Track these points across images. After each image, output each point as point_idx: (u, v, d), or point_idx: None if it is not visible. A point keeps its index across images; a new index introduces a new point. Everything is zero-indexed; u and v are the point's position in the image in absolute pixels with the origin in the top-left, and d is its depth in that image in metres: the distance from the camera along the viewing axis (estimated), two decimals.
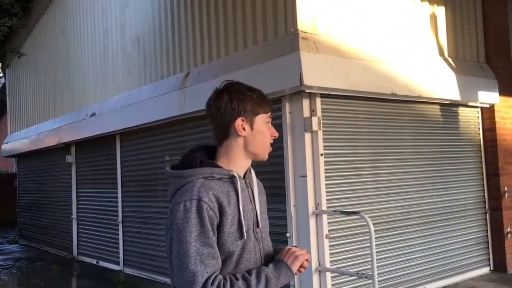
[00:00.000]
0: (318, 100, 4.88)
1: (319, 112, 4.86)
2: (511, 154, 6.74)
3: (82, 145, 9.25)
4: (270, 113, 1.75)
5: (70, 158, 9.55)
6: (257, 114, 1.72)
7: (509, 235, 6.51)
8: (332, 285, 4.83)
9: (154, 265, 7.09)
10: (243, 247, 1.65)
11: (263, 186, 1.92)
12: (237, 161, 1.73)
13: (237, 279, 1.59)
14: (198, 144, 1.83)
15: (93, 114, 8.41)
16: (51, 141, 10.02)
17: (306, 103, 4.82)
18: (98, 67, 8.71)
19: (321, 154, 4.86)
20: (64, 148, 9.73)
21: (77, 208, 9.51)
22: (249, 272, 1.63)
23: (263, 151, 1.76)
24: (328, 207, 4.86)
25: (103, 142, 8.44)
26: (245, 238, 1.64)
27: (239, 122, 1.69)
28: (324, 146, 4.89)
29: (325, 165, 4.88)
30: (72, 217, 9.55)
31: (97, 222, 8.79)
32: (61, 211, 10.14)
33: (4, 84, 14.90)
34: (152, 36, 7.15)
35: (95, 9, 8.82)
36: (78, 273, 8.21)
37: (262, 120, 1.73)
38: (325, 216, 4.84)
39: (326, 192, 4.87)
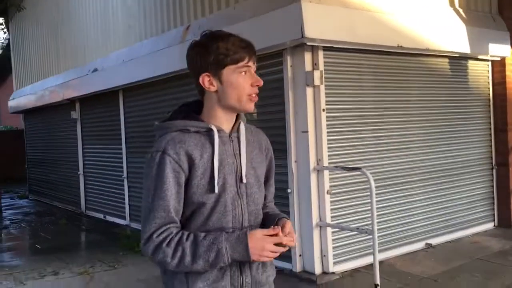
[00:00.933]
0: (321, 53, 4.74)
1: (321, 66, 4.73)
2: None
3: (86, 101, 9.19)
4: (246, 61, 1.62)
5: (75, 114, 9.53)
6: (224, 66, 1.61)
7: None
8: (333, 240, 4.83)
9: None
10: (216, 200, 1.61)
11: (268, 143, 1.85)
12: (217, 115, 1.68)
13: (187, 239, 1.56)
14: (194, 100, 1.77)
15: (95, 70, 8.31)
16: (56, 97, 9.97)
17: (308, 56, 4.68)
18: (99, 22, 8.53)
19: (323, 110, 4.76)
20: (69, 104, 9.69)
21: (84, 164, 9.57)
22: (205, 236, 1.57)
23: (240, 103, 1.65)
24: (329, 163, 4.80)
25: (106, 97, 8.38)
26: (216, 192, 1.60)
27: (204, 78, 1.63)
28: (326, 101, 4.78)
29: (327, 121, 4.79)
30: (78, 173, 9.63)
31: (103, 178, 8.86)
32: (68, 166, 10.22)
33: (8, 40, 14.73)
34: None
35: None
36: (86, 228, 8.35)
37: (232, 71, 1.62)
38: (326, 172, 4.79)
39: (328, 148, 4.81)
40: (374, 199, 4.24)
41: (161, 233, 1.55)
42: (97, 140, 9.06)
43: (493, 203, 6.54)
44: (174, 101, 6.63)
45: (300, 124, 4.77)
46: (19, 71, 13.08)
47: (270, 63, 4.95)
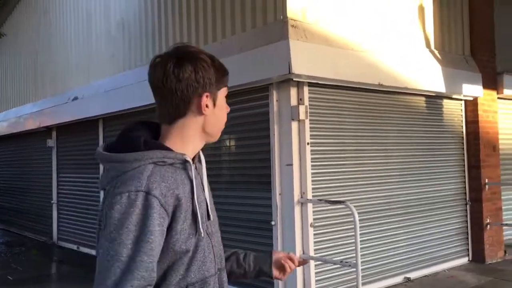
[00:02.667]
0: (306, 89, 4.88)
1: (306, 101, 4.86)
2: (492, 147, 6.84)
3: (64, 129, 9.10)
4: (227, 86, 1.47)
5: (51, 142, 9.40)
6: (221, 86, 1.43)
7: (488, 226, 6.63)
8: (316, 273, 4.86)
9: None
10: (196, 245, 1.35)
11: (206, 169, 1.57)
12: (191, 143, 1.42)
13: None
14: (135, 121, 1.46)
15: (76, 98, 8.27)
16: (31, 125, 9.83)
17: (293, 91, 4.81)
18: (81, 50, 8.55)
19: (308, 143, 4.86)
20: (45, 132, 9.56)
21: (58, 193, 9.38)
22: None
23: (219, 131, 1.48)
24: (313, 196, 4.87)
25: (86, 126, 8.32)
26: (201, 233, 1.35)
27: (204, 98, 1.38)
28: (310, 135, 4.90)
29: (311, 154, 4.89)
30: (52, 202, 9.42)
31: (78, 207, 8.69)
32: (40, 195, 9.99)
33: None
34: (137, 19, 7.03)
35: None
36: (59, 259, 8.13)
37: (223, 94, 1.45)
38: (310, 205, 4.86)
39: (312, 181, 4.89)
40: (358, 232, 4.32)
41: None
42: (74, 169, 8.93)
43: (468, 238, 6.71)
44: None
45: (285, 157, 4.85)
46: None
47: (256, 97, 5.06)
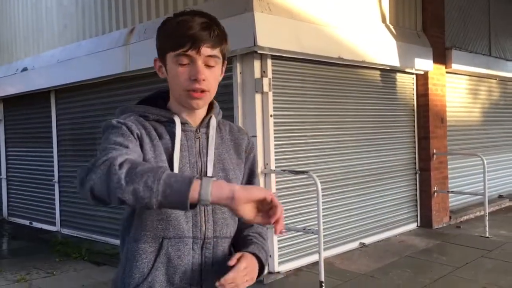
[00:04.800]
0: (269, 62, 4.94)
1: (270, 74, 4.93)
2: (440, 119, 7.21)
3: (12, 101, 8.72)
4: (185, 49, 1.37)
5: None
6: (165, 52, 1.42)
7: (435, 194, 7.04)
8: (278, 241, 5.03)
9: (94, 225, 6.98)
10: None
11: (251, 145, 1.61)
12: (176, 107, 1.48)
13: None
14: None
15: (25, 69, 7.93)
16: None
17: (257, 64, 4.86)
18: (30, 19, 8.16)
19: (271, 115, 4.96)
20: None
21: (7, 168, 9.04)
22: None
23: (181, 98, 1.44)
24: (276, 167, 5.00)
25: (36, 98, 8.01)
26: None
27: (155, 63, 1.49)
28: (273, 108, 4.99)
29: (274, 126, 4.99)
30: (1, 177, 9.08)
31: (29, 182, 8.44)
32: None
33: None
34: None
35: None
36: (11, 234, 7.90)
37: (171, 60, 1.41)
38: (273, 175, 4.98)
39: (275, 152, 5.01)
40: (320, 201, 4.49)
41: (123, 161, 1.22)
42: (24, 142, 8.62)
43: (416, 205, 7.10)
44: (114, 104, 6.53)
45: (249, 129, 4.92)
46: None
47: None
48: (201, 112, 1.51)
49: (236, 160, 1.55)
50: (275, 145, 5.01)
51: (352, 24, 5.77)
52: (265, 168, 4.93)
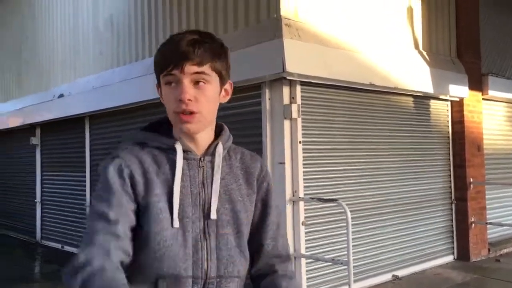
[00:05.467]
0: (298, 88, 4.90)
1: (299, 100, 4.88)
2: (477, 147, 6.97)
3: (48, 126, 8.96)
4: (169, 69, 1.29)
5: (35, 140, 9.25)
6: (158, 75, 1.35)
7: (473, 225, 6.75)
8: (307, 271, 4.89)
9: None
10: (173, 238, 1.29)
11: (265, 174, 1.48)
12: (179, 134, 1.38)
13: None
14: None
15: (61, 95, 8.16)
16: (14, 122, 9.67)
17: (286, 90, 4.83)
18: (67, 46, 8.44)
19: (300, 142, 4.89)
20: (29, 129, 9.41)
21: (42, 192, 9.24)
22: None
23: (173, 122, 1.35)
24: (305, 194, 4.90)
25: (71, 124, 8.21)
26: (175, 226, 1.28)
27: (157, 88, 1.40)
28: (302, 134, 4.92)
29: (303, 153, 4.91)
30: (35, 200, 9.28)
31: (63, 206, 8.57)
32: (24, 194, 9.82)
33: None
34: (126, 16, 6.98)
35: None
36: (43, 258, 8.01)
37: (162, 82, 1.34)
38: (301, 203, 4.88)
39: (304, 179, 4.92)
40: (350, 230, 4.36)
41: (85, 268, 1.16)
42: (59, 167, 8.81)
43: (453, 236, 6.81)
44: None
45: (277, 156, 4.87)
46: None
47: (249, 95, 5.07)
48: (206, 139, 1.39)
49: (246, 190, 1.42)
50: (304, 172, 4.92)
51: (384, 50, 5.69)
52: (293, 195, 4.84)
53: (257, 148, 4.98)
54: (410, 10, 6.28)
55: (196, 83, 1.31)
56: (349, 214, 4.36)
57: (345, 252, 4.47)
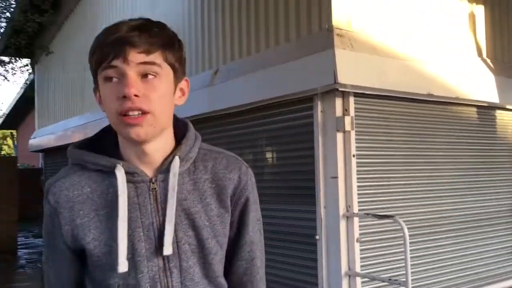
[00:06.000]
0: (352, 99, 4.74)
1: (352, 112, 4.72)
2: None
3: None
4: (109, 61, 1.04)
5: None
6: (95, 72, 1.10)
7: None
8: None
9: None
10: (125, 283, 1.08)
11: (243, 183, 1.23)
12: (124, 148, 1.12)
13: None
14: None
15: None
16: (78, 137, 10.06)
17: (339, 102, 4.68)
18: None
19: (353, 155, 4.71)
20: None
21: None
22: None
23: (117, 128, 1.07)
24: (359, 210, 4.71)
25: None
26: (122, 270, 1.05)
27: (95, 93, 1.16)
28: (356, 147, 4.75)
29: (357, 167, 4.73)
30: None
31: None
32: None
33: (32, 80, 15.10)
34: (180, 33, 7.08)
35: (124, 7, 8.84)
36: None
37: (101, 80, 1.09)
38: (356, 219, 4.69)
39: (358, 194, 4.73)
40: (408, 249, 4.12)
41: None
42: None
43: None
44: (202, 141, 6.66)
45: (330, 170, 4.72)
46: (42, 111, 13.32)
47: (300, 108, 4.97)
48: (160, 150, 1.11)
49: (217, 210, 1.15)
50: (358, 186, 4.73)
51: (443, 58, 5.43)
52: (347, 211, 4.66)
53: (309, 162, 4.86)
54: (472, 16, 5.97)
55: (144, 76, 1.05)
56: (406, 231, 4.13)
57: (402, 272, 4.23)
